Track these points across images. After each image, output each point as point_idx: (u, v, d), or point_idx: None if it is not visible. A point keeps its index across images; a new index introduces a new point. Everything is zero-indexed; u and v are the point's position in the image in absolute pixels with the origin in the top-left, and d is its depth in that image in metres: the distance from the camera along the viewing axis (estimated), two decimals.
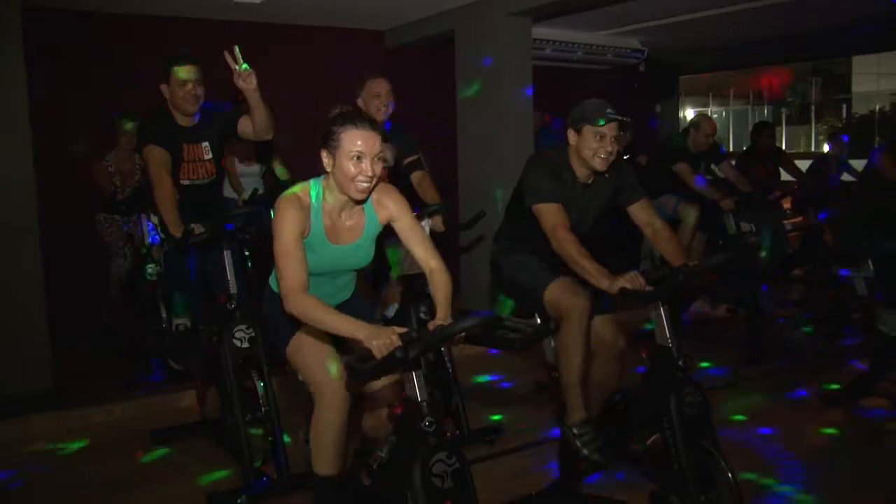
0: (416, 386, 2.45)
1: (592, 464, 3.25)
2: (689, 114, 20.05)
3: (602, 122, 3.14)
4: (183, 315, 4.74)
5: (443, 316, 2.58)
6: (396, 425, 2.65)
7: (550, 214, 3.20)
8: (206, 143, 4.15)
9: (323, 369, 2.81)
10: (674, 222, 5.97)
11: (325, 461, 2.88)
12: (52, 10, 6.11)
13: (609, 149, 3.18)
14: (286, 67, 6.94)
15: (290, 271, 2.56)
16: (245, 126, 4.08)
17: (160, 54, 4.14)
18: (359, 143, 2.54)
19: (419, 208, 4.10)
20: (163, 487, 3.79)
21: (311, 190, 2.71)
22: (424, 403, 2.45)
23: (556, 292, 3.27)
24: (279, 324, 2.89)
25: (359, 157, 2.56)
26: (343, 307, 2.96)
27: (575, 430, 3.27)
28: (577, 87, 8.89)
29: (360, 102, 4.37)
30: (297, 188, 2.72)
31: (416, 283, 4.12)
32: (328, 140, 2.59)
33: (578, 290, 3.20)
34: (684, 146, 6.03)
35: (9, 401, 4.54)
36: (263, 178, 6.06)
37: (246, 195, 5.74)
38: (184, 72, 4.00)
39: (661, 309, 2.98)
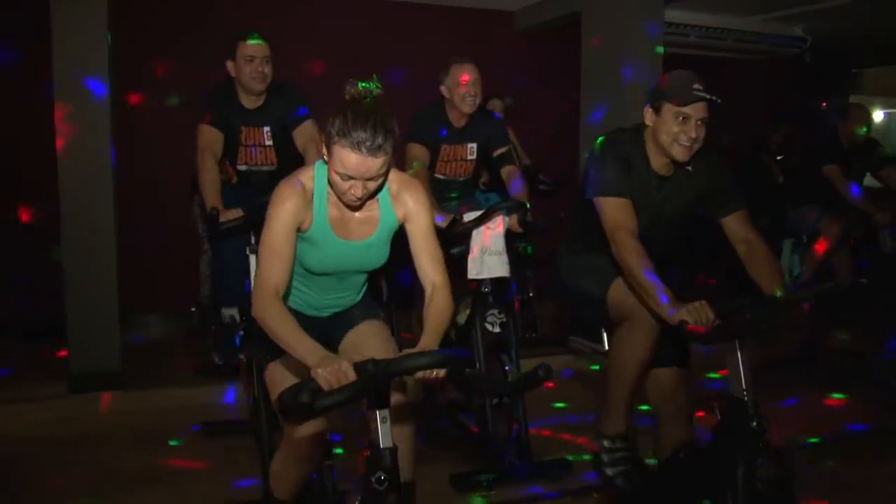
0: (380, 431, 1.94)
1: (614, 487, 2.80)
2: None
3: (686, 101, 2.57)
4: (231, 305, 4.52)
5: (425, 344, 2.11)
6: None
7: (613, 211, 2.65)
8: (267, 128, 3.88)
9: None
10: (814, 238, 5.20)
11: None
12: None
13: (693, 134, 2.61)
14: (413, 47, 6.68)
15: (269, 271, 2.17)
16: (299, 136, 3.80)
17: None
18: (350, 166, 2.07)
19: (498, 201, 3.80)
20: None
21: (314, 174, 2.30)
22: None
23: (623, 290, 2.74)
24: None
25: (349, 178, 2.11)
26: (350, 313, 2.60)
27: (606, 444, 2.83)
28: (727, 79, 8.07)
29: (443, 90, 3.97)
30: (301, 172, 2.32)
31: (483, 290, 3.72)
32: (324, 133, 2.13)
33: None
34: (835, 142, 5.19)
35: (81, 378, 4.58)
36: None
37: None
38: (252, 48, 3.75)
39: (738, 351, 2.38)
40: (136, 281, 5.17)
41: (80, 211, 4.50)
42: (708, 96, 2.57)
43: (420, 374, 1.92)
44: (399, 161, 2.38)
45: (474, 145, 4.10)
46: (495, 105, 6.13)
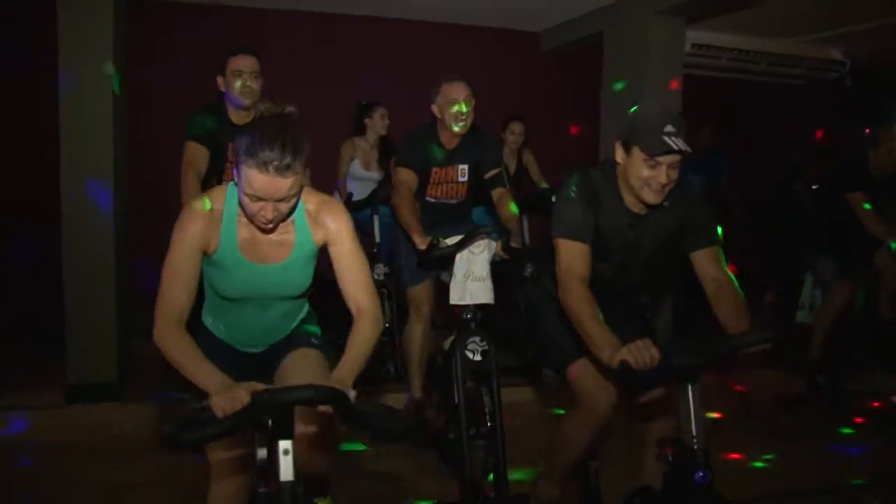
0: (281, 464, 1.85)
1: None
2: None
3: (656, 152, 2.41)
4: None
5: (339, 375, 2.02)
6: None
7: (568, 255, 2.52)
8: None
9: None
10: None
11: None
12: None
13: (663, 180, 2.45)
14: (438, 66, 6.53)
15: (169, 295, 2.10)
16: None
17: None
18: (258, 186, 1.99)
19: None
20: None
21: (225, 193, 2.21)
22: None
23: (582, 375, 2.65)
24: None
25: (257, 199, 2.03)
26: (285, 342, 2.49)
27: None
28: (761, 103, 7.86)
29: (434, 109, 3.87)
30: (211, 192, 2.24)
31: (465, 316, 3.61)
32: (235, 152, 2.05)
33: (606, 383, 2.61)
34: (863, 169, 4.96)
35: (77, 389, 4.60)
36: (381, 183, 5.70)
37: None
38: (240, 62, 3.74)
39: (689, 395, 2.24)
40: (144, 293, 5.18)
41: (80, 223, 4.54)
42: (678, 147, 2.38)
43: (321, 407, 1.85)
44: None
45: (466, 167, 3.99)
46: (515, 128, 6.05)
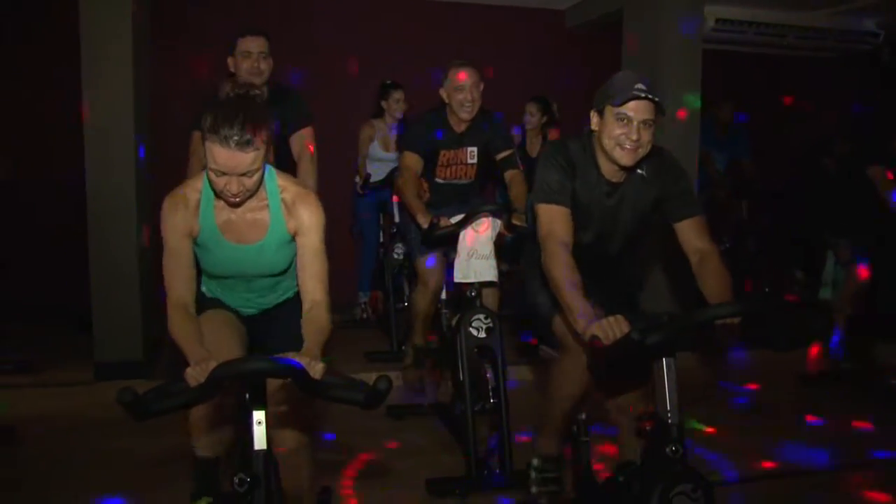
0: (254, 432, 1.94)
1: None
2: None
3: (625, 99, 2.45)
4: None
5: (306, 349, 2.10)
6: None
7: (548, 219, 2.56)
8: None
9: None
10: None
11: None
12: None
13: (635, 136, 2.47)
14: (464, 47, 6.55)
15: (169, 282, 2.29)
16: (295, 142, 3.84)
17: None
18: (220, 161, 2.11)
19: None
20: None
21: (202, 180, 2.34)
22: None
23: (565, 326, 2.64)
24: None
25: (222, 174, 2.14)
26: (278, 325, 2.63)
27: (535, 462, 2.83)
28: (791, 78, 7.71)
29: (442, 93, 3.93)
30: (186, 182, 2.38)
31: (469, 293, 3.70)
32: (201, 129, 2.17)
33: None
34: (888, 144, 4.82)
35: (105, 367, 4.78)
36: None
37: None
38: (249, 43, 3.79)
39: (664, 370, 2.26)
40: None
41: (104, 205, 4.69)
42: (647, 95, 2.43)
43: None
44: None
45: (475, 149, 4.05)
46: (532, 109, 6.06)
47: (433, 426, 4.20)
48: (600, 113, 2.55)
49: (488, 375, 3.60)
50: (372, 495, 3.44)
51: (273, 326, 2.63)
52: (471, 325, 3.62)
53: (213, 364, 1.88)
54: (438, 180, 4.10)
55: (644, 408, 2.68)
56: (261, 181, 2.27)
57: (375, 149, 5.77)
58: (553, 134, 6.16)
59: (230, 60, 3.82)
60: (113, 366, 4.76)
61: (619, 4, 6.06)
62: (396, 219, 5.35)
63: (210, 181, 2.22)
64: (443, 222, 3.68)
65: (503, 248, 3.84)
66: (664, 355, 2.25)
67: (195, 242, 2.35)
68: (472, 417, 3.55)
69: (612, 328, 2.17)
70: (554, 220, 2.55)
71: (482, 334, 3.62)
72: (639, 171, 2.62)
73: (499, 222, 3.71)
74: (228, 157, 2.09)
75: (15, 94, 6.07)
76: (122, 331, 4.80)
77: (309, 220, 2.34)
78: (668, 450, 2.19)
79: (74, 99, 4.71)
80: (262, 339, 2.64)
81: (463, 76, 3.86)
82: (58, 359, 5.11)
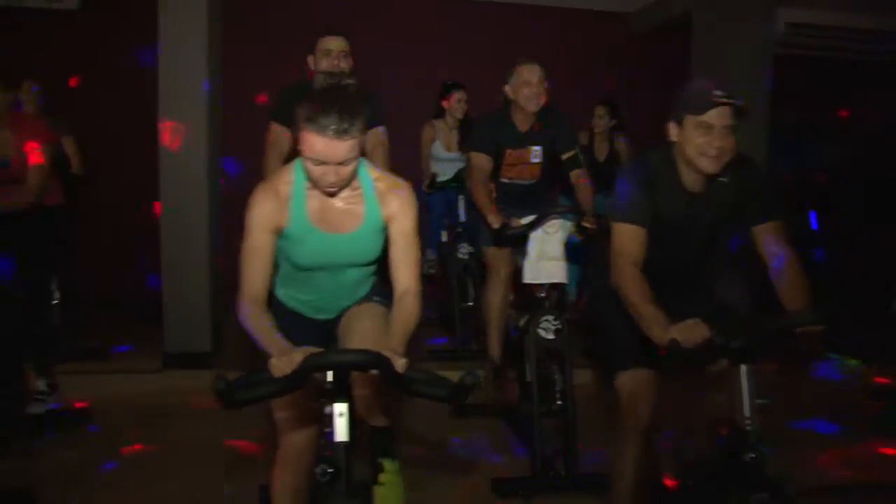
0: (335, 424, 1.98)
1: None
2: None
3: (705, 108, 2.43)
4: None
5: (391, 343, 2.11)
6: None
7: (622, 238, 2.55)
8: None
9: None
10: None
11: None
12: None
13: (718, 144, 2.44)
14: (528, 49, 6.55)
15: (247, 275, 2.27)
16: (368, 140, 3.86)
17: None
18: (318, 150, 2.12)
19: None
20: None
21: (293, 171, 2.36)
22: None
23: (628, 386, 2.66)
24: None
25: (320, 163, 2.16)
26: (354, 309, 2.62)
27: None
28: (862, 83, 7.54)
29: (508, 90, 3.94)
30: (279, 171, 2.40)
31: (538, 295, 3.71)
32: (297, 120, 2.17)
33: (648, 397, 2.63)
34: None
35: (173, 357, 4.94)
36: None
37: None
38: (329, 42, 3.83)
39: (741, 376, 2.25)
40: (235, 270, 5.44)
41: (177, 204, 4.83)
42: (728, 100, 2.41)
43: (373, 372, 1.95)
44: None
45: (539, 148, 4.04)
46: (600, 112, 6.05)
47: (496, 425, 4.22)
48: (679, 123, 2.53)
49: (555, 377, 3.61)
50: (436, 493, 3.47)
51: (346, 310, 2.64)
52: (539, 327, 3.63)
53: (298, 355, 1.91)
54: (503, 180, 4.10)
55: (719, 413, 2.67)
56: (356, 171, 2.28)
57: (438, 149, 5.81)
58: (619, 140, 6.16)
59: (310, 59, 3.87)
60: (181, 356, 4.90)
61: (687, 7, 6.00)
62: (462, 218, 5.36)
63: (306, 170, 2.22)
64: (514, 223, 3.69)
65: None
66: (743, 361, 2.24)
67: (283, 235, 2.35)
68: (539, 419, 3.56)
69: (692, 331, 2.16)
70: (628, 240, 2.55)
71: (550, 335, 3.62)
72: (720, 178, 2.60)
73: (569, 224, 3.71)
74: (326, 145, 2.10)
75: (93, 95, 6.25)
76: (190, 323, 4.93)
77: (402, 207, 2.35)
78: (745, 457, 2.18)
79: (151, 100, 4.86)
80: (334, 329, 2.65)
81: (530, 72, 3.87)
82: (135, 347, 5.27)
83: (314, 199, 2.34)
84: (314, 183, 2.24)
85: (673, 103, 2.57)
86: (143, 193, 5.46)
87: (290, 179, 2.34)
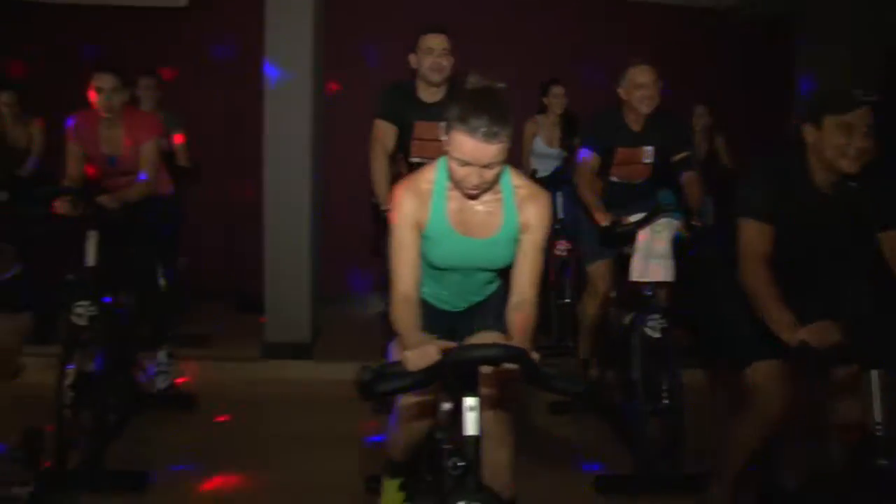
0: (467, 418, 1.96)
1: None
2: None
3: (849, 107, 2.39)
4: None
5: (515, 341, 2.12)
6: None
7: (749, 235, 2.51)
8: (443, 124, 3.98)
9: None
10: None
11: None
12: None
13: (860, 144, 2.40)
14: (628, 46, 6.49)
15: (397, 273, 2.30)
16: None
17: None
18: (467, 151, 2.12)
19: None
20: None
21: (435, 170, 2.37)
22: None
23: (762, 376, 2.61)
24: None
25: (465, 164, 2.15)
26: (484, 313, 2.65)
27: None
28: None
29: (621, 92, 3.91)
30: (419, 172, 2.41)
31: (645, 293, 3.68)
32: (446, 121, 2.19)
33: (781, 387, 2.57)
34: None
35: (273, 347, 5.04)
36: (565, 160, 5.77)
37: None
38: (431, 40, 3.88)
39: (872, 379, 2.19)
40: (334, 260, 5.55)
41: (279, 196, 4.93)
42: (871, 99, 2.37)
43: (506, 366, 1.96)
44: None
45: (651, 149, 3.99)
46: (699, 111, 5.97)
47: (596, 423, 4.20)
48: (817, 124, 2.48)
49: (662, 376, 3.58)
50: (538, 490, 3.45)
51: (476, 315, 2.66)
52: (647, 325, 3.60)
53: (432, 349, 1.93)
54: (613, 179, 4.06)
55: (845, 418, 2.61)
56: (500, 176, 2.28)
57: (539, 144, 5.82)
58: (719, 139, 6.07)
59: (412, 57, 3.92)
60: (280, 346, 5.01)
61: (794, 5, 5.84)
62: (560, 215, 5.34)
63: (451, 171, 2.23)
64: (625, 221, 3.66)
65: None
66: (874, 367, 2.18)
67: (423, 233, 2.37)
68: (645, 418, 3.54)
69: (823, 334, 2.12)
70: (755, 238, 2.51)
71: (657, 334, 3.59)
72: (851, 182, 2.53)
73: (676, 223, 3.67)
74: (475, 147, 2.10)
75: (201, 89, 6.42)
76: (291, 314, 5.03)
77: (538, 218, 2.35)
78: (877, 464, 2.13)
79: (256, 94, 4.99)
80: (462, 328, 2.66)
81: (642, 74, 3.83)
82: (229, 336, 5.42)
83: (454, 201, 2.35)
84: (456, 183, 2.25)
85: (808, 106, 2.53)
86: (246, 186, 5.60)
87: (432, 178, 2.36)
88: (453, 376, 1.98)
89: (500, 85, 2.24)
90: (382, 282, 4.29)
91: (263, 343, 5.04)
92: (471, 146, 2.10)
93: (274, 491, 3.43)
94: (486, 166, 2.14)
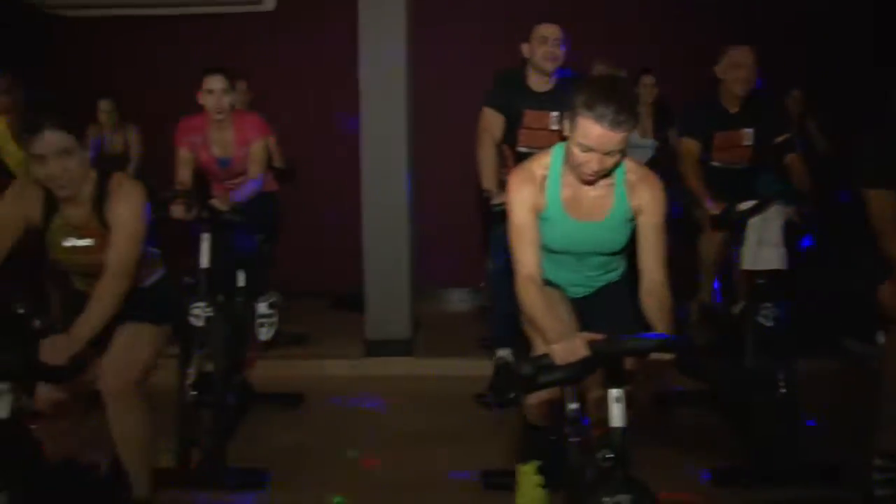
0: (612, 410, 1.98)
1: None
2: None
3: None
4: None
5: (657, 329, 2.13)
6: None
7: (876, 205, 2.49)
8: (555, 113, 3.98)
9: None
10: None
11: None
12: None
13: None
14: (711, 28, 6.32)
15: (519, 256, 2.35)
16: None
17: None
18: (592, 137, 2.16)
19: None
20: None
21: (550, 156, 2.44)
22: None
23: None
24: None
25: (588, 150, 2.20)
26: (602, 299, 2.67)
27: (878, 462, 2.68)
28: None
29: (718, 71, 3.88)
30: (534, 159, 2.46)
31: (760, 282, 3.59)
32: (571, 107, 2.23)
33: None
34: None
35: (375, 344, 5.10)
36: (659, 150, 5.70)
37: None
38: (546, 30, 3.91)
39: None
40: (437, 255, 5.58)
41: (378, 194, 4.97)
42: None
43: (654, 356, 1.96)
44: None
45: (751, 131, 3.93)
46: (796, 95, 5.88)
47: (701, 412, 4.14)
48: None
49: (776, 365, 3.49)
50: (653, 480, 3.42)
51: (599, 308, 2.67)
52: (759, 315, 3.52)
53: (579, 343, 1.94)
54: (714, 164, 4.00)
55: None
56: (618, 165, 2.32)
57: (633, 135, 5.69)
58: (813, 125, 5.92)
59: (525, 46, 3.95)
60: (380, 343, 5.06)
61: None
62: None
63: (570, 155, 2.28)
64: (739, 208, 3.59)
65: None
66: None
67: (539, 218, 2.43)
68: (759, 408, 3.46)
69: None
70: (883, 207, 2.47)
71: (770, 323, 3.51)
72: None
73: (788, 209, 3.59)
74: (601, 134, 2.14)
75: (294, 93, 6.52)
76: (391, 312, 5.08)
77: (651, 198, 2.39)
78: None
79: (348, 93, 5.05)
80: (588, 320, 2.67)
81: (742, 54, 3.81)
82: (327, 334, 5.51)
83: (568, 187, 2.41)
84: (575, 168, 2.29)
85: None
86: (344, 184, 5.65)
87: (547, 164, 2.43)
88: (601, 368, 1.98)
89: (623, 75, 2.27)
90: (496, 274, 4.31)
91: (364, 340, 5.09)
92: (597, 132, 2.14)
93: (390, 489, 3.46)
94: (607, 154, 2.19)
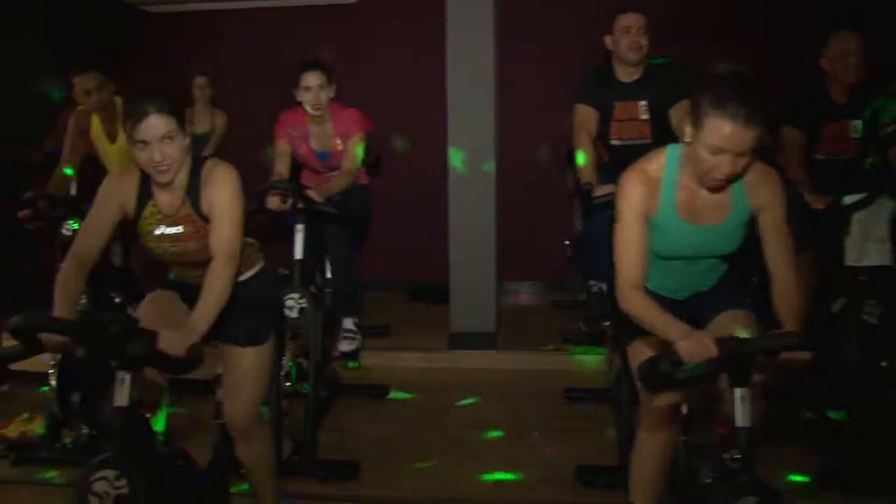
0: (738, 410, 1.95)
1: None
2: None
3: None
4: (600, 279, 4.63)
5: (789, 328, 2.06)
6: None
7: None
8: (643, 102, 3.90)
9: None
10: None
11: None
12: None
13: None
14: (782, 20, 6.17)
15: (624, 261, 2.28)
16: (675, 113, 3.74)
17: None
18: (725, 136, 2.07)
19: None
20: None
21: (665, 157, 2.33)
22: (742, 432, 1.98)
23: None
24: None
25: (720, 152, 2.10)
26: (713, 297, 2.57)
27: None
28: None
29: (823, 63, 3.75)
30: (646, 160, 2.36)
31: (861, 278, 3.49)
32: (696, 108, 2.14)
33: None
34: None
35: (458, 337, 5.09)
36: None
37: None
38: (628, 19, 3.84)
39: None
40: (512, 250, 5.54)
41: (465, 188, 4.95)
42: None
43: (786, 355, 1.93)
44: None
45: (859, 122, 3.79)
46: None
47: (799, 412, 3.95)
48: None
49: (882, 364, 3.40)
50: None
51: (708, 302, 2.58)
52: (862, 312, 3.45)
53: (708, 341, 1.90)
54: (818, 157, 3.87)
55: None
56: (750, 165, 2.23)
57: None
58: None
59: (608, 38, 3.90)
60: (465, 336, 5.05)
61: None
62: None
63: (699, 160, 2.18)
64: (847, 202, 3.48)
65: None
66: None
67: (649, 222, 2.34)
68: (863, 410, 3.37)
69: None
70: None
71: (874, 320, 3.43)
72: None
73: (892, 203, 3.46)
74: (734, 132, 2.06)
75: (377, 87, 6.50)
76: (476, 304, 5.07)
77: (773, 197, 2.30)
78: None
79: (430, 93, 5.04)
80: (689, 316, 2.61)
81: (847, 41, 3.68)
82: (408, 326, 5.55)
83: (683, 191, 2.32)
84: (704, 174, 2.19)
85: None
86: (429, 178, 5.66)
87: (662, 164, 2.33)
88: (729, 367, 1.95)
89: (746, 68, 2.20)
90: (594, 266, 4.25)
91: (448, 333, 5.09)
92: (729, 131, 2.06)
93: (481, 483, 3.45)
94: (740, 154, 2.11)
